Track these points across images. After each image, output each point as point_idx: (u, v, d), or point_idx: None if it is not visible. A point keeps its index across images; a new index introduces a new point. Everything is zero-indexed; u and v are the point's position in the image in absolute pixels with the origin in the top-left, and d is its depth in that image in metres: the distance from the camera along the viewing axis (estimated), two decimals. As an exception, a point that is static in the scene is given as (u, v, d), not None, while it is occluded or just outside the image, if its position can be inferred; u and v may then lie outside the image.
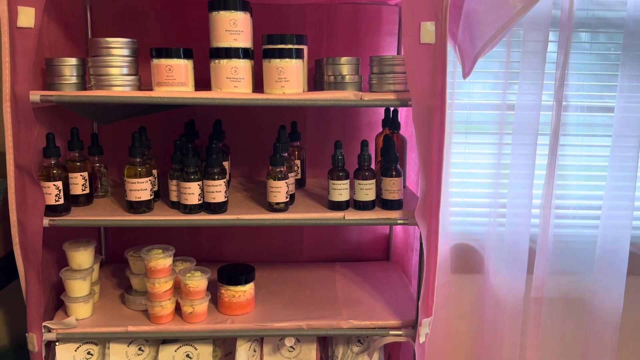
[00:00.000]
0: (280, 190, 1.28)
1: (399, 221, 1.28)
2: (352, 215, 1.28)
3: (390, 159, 1.30)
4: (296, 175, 1.46)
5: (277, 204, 1.29)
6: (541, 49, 1.59)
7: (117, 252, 1.63)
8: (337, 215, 1.29)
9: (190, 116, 1.54)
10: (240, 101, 1.21)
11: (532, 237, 1.70)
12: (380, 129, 1.57)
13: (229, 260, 1.69)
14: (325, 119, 1.67)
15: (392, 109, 1.52)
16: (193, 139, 1.46)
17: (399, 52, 1.61)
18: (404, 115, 1.60)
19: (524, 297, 1.71)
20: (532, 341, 1.75)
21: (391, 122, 1.48)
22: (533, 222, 1.68)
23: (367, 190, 1.29)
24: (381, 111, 1.62)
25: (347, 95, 1.22)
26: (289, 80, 1.22)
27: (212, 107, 1.55)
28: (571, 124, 1.71)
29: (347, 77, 1.26)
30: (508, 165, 1.68)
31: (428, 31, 1.15)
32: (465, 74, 1.32)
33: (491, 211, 1.71)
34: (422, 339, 1.31)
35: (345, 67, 1.27)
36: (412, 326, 1.34)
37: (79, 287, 1.32)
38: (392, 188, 1.29)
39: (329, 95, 1.22)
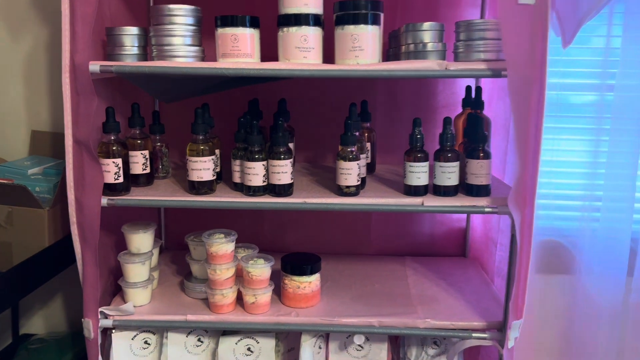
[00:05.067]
0: (351, 173, 1.16)
1: (486, 209, 1.13)
2: (431, 202, 1.15)
3: (477, 138, 1.16)
4: (366, 158, 1.34)
5: (348, 187, 1.17)
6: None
7: (177, 238, 1.56)
8: (415, 201, 1.15)
9: (253, 95, 1.44)
10: (309, 72, 1.10)
11: (632, 235, 1.50)
12: (460, 111, 1.42)
13: (292, 250, 1.58)
14: (397, 100, 1.53)
15: (473, 87, 1.36)
16: (257, 119, 1.36)
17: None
18: (487, 94, 1.44)
19: (623, 301, 1.51)
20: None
21: (474, 100, 1.33)
22: (635, 217, 1.48)
23: (449, 174, 1.15)
24: (461, 91, 1.47)
25: (429, 65, 1.08)
26: (363, 49, 1.10)
27: (276, 85, 1.45)
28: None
29: (429, 44, 1.12)
30: (606, 154, 1.49)
31: (528, -11, 1.00)
32: (566, 42, 1.15)
33: (585, 205, 1.52)
34: (511, 343, 1.15)
35: (428, 33, 1.13)
36: (499, 329, 1.18)
37: (137, 271, 1.25)
38: (480, 172, 1.14)
39: (409, 65, 1.09)
